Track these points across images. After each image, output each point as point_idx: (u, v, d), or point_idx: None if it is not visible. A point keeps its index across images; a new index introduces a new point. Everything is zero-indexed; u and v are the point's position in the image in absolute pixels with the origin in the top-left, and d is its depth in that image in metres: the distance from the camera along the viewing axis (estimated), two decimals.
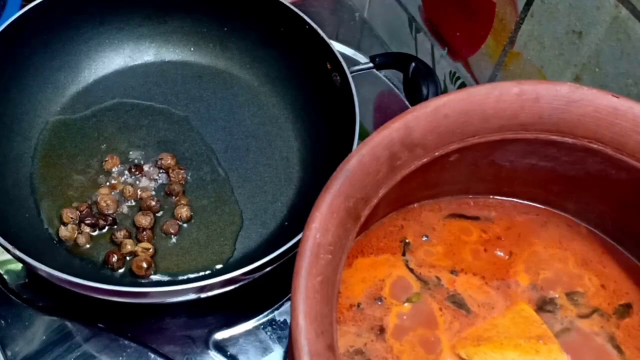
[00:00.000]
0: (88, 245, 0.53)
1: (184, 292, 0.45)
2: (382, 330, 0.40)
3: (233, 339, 0.52)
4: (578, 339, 0.40)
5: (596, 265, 0.43)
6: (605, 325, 0.41)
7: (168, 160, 0.57)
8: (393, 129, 0.36)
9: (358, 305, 0.41)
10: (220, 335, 0.52)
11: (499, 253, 0.44)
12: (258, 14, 0.62)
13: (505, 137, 0.38)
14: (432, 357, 0.39)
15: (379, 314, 0.41)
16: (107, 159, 0.57)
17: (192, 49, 0.65)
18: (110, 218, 0.54)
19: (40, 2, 0.56)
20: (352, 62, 0.61)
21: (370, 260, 0.43)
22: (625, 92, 0.45)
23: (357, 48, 0.71)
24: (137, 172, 0.57)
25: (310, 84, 0.60)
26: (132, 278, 0.51)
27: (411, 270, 0.42)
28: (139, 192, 0.56)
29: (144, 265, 0.51)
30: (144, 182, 0.57)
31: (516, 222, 0.45)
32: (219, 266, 0.53)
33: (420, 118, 0.37)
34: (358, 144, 0.44)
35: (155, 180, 0.57)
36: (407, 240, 0.44)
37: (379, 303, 0.41)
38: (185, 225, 0.55)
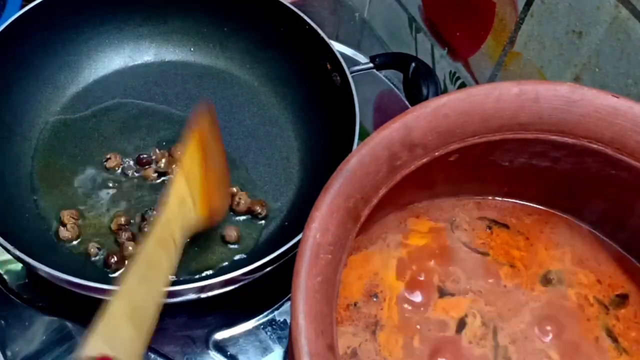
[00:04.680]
0: (88, 246, 0.53)
1: (184, 292, 0.45)
2: (376, 324, 0.40)
3: (233, 339, 0.52)
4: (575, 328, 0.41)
5: (592, 262, 0.43)
6: (600, 315, 0.41)
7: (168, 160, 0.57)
8: (393, 129, 0.36)
9: (355, 304, 0.41)
10: (220, 335, 0.52)
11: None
12: (258, 14, 0.61)
13: (505, 137, 0.38)
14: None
15: (374, 310, 0.41)
16: (109, 156, 0.57)
17: (192, 49, 0.65)
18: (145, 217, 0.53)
19: (40, 2, 0.56)
20: (352, 62, 0.61)
21: (362, 255, 0.43)
22: (625, 92, 0.45)
23: (357, 48, 0.71)
24: (138, 172, 0.57)
25: (310, 84, 0.60)
26: None
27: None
28: (139, 192, 0.56)
29: None
30: (144, 182, 0.56)
31: (525, 225, 0.45)
32: (219, 266, 0.53)
33: (420, 118, 0.37)
34: (358, 144, 0.44)
35: (156, 180, 0.57)
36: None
37: (375, 299, 0.41)
38: None
